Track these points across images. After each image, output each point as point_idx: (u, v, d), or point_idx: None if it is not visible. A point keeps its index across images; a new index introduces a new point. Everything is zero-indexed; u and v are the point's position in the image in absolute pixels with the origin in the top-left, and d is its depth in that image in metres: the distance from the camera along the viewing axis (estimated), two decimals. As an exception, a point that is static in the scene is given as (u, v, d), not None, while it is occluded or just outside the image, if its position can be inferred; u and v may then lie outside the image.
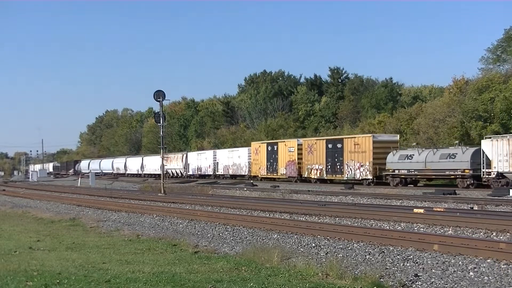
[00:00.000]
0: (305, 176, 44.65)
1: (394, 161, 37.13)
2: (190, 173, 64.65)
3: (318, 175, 43.40)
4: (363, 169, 39.25)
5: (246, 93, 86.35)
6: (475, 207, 21.38)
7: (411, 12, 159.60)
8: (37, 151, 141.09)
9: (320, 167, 43.11)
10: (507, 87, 43.64)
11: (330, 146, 42.40)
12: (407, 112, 54.99)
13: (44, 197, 36.00)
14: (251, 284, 8.44)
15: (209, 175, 60.30)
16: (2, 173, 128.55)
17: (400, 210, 19.98)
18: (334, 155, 41.84)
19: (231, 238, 14.96)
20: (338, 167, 41.49)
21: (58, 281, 8.59)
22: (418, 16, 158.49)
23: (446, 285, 8.77)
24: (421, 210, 19.01)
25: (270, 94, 79.23)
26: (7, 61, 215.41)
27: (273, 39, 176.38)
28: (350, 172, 40.34)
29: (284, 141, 49.41)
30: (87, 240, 14.82)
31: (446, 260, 10.42)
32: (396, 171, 36.97)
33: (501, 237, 13.53)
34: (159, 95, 36.18)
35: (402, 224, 16.61)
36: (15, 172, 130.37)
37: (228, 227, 16.78)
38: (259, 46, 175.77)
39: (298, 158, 45.57)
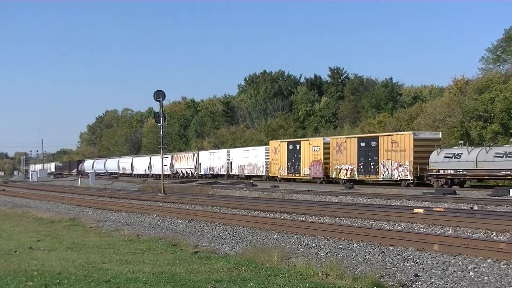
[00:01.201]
0: (333, 177, 41.93)
1: (439, 160, 34.16)
2: (202, 173, 62.27)
3: (348, 175, 40.68)
4: (402, 169, 36.67)
5: (246, 93, 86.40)
6: (475, 207, 21.37)
7: (411, 12, 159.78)
8: (37, 151, 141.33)
9: (350, 167, 40.40)
10: (507, 87, 43.66)
11: (362, 144, 39.72)
12: (407, 112, 55.05)
13: (44, 197, 36.00)
14: (251, 284, 8.44)
15: (222, 175, 58.15)
16: (2, 173, 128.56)
17: (400, 210, 19.97)
18: (368, 154, 39.15)
19: (231, 238, 14.95)
20: (372, 167, 38.80)
21: (58, 281, 8.59)
22: (418, 16, 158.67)
23: (446, 285, 8.77)
24: (421, 210, 19.00)
25: (270, 94, 79.28)
26: (7, 61, 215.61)
27: (273, 39, 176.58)
28: (387, 172, 37.72)
29: (308, 140, 46.77)
30: (87, 240, 14.82)
31: (446, 260, 10.42)
32: (441, 171, 34.03)
33: (501, 237, 13.52)
34: (159, 95, 36.17)
35: (402, 224, 16.61)
36: (15, 172, 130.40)
37: (228, 227, 16.78)
38: (259, 46, 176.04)
39: (324, 158, 42.86)
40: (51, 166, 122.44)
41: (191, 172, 65.13)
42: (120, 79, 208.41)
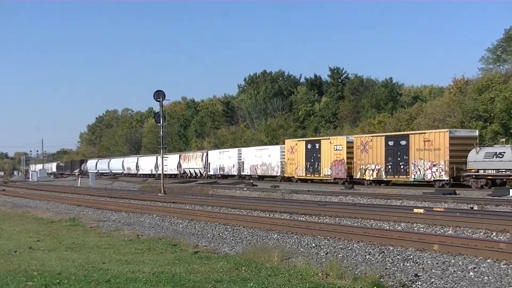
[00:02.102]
0: (357, 177, 39.82)
1: (478, 159, 32.19)
2: (211, 173, 60.25)
3: (374, 176, 38.64)
4: (436, 169, 34.53)
5: (246, 93, 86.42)
6: (475, 207, 21.37)
7: (411, 12, 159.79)
8: (37, 151, 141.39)
9: (377, 167, 38.28)
10: (507, 87, 43.67)
11: (391, 143, 37.63)
12: (407, 112, 55.05)
13: (44, 197, 35.99)
14: (251, 284, 8.44)
15: (233, 176, 56.08)
16: (2, 173, 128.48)
17: (400, 210, 19.98)
18: (397, 154, 37.04)
19: (231, 238, 14.95)
20: (402, 167, 36.60)
21: (58, 281, 8.59)
22: (418, 16, 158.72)
23: (446, 285, 8.77)
24: (421, 210, 19.00)
25: (270, 94, 79.31)
26: (7, 61, 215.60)
27: (273, 39, 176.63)
28: (419, 173, 35.58)
29: (329, 139, 44.25)
30: (87, 240, 14.81)
31: (446, 260, 10.42)
32: (481, 171, 32.15)
33: (501, 237, 13.53)
34: (159, 95, 36.17)
35: (402, 224, 16.61)
36: (15, 172, 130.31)
37: (228, 227, 16.78)
38: (259, 46, 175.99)
39: (347, 158, 40.72)
40: (53, 166, 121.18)
41: (199, 172, 63.21)
42: (120, 79, 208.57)
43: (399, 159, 37.06)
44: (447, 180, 34.17)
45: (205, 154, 62.28)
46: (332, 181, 42.63)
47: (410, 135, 37.11)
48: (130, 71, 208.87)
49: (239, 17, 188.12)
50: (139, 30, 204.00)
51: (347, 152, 40.88)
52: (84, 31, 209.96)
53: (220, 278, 8.99)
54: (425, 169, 35.37)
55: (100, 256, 11.72)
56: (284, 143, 53.28)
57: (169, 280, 8.69)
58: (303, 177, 45.02)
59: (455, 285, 8.75)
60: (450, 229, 15.05)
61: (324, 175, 43.07)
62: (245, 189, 40.38)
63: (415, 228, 15.86)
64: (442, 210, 20.13)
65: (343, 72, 76.88)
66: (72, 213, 23.94)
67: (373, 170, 38.81)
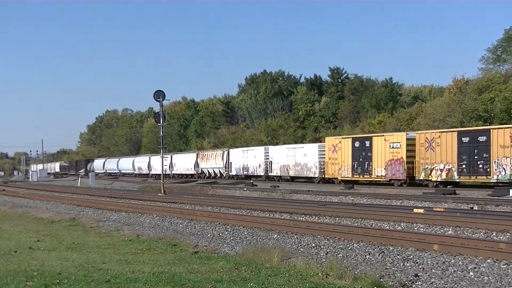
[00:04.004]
0: (421, 178, 35.63)
1: None
2: (233, 173, 55.95)
3: (443, 176, 34.30)
4: None
5: (246, 93, 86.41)
6: (475, 207, 21.38)
7: (411, 12, 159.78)
8: (37, 151, 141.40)
9: (447, 166, 34.00)
10: (507, 87, 43.71)
11: (465, 140, 33.29)
12: (407, 112, 55.03)
13: (44, 197, 36.00)
14: (251, 284, 8.44)
15: (258, 176, 51.94)
16: (2, 173, 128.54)
17: (400, 210, 19.97)
18: (473, 151, 32.95)
19: (231, 238, 14.95)
20: (481, 166, 32.56)
21: (58, 281, 8.59)
22: (418, 16, 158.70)
23: (446, 285, 8.77)
24: (421, 210, 19.00)
25: (270, 94, 79.31)
26: (7, 61, 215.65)
27: (273, 39, 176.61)
28: (503, 173, 31.43)
29: (383, 135, 39.64)
30: (87, 240, 14.82)
31: (446, 260, 10.42)
32: None
33: (501, 237, 13.53)
34: (159, 95, 36.19)
35: (402, 224, 16.61)
36: (15, 172, 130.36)
37: (228, 227, 16.78)
38: (259, 46, 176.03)
39: (407, 156, 36.40)
40: (56, 166, 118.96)
41: (219, 172, 59.37)
42: (120, 79, 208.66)
43: (476, 157, 32.77)
44: None
45: (226, 152, 58.42)
46: (386, 182, 38.05)
47: (491, 130, 32.65)
48: (130, 71, 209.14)
49: (239, 17, 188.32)
50: (139, 30, 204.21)
51: (407, 150, 36.55)
52: (84, 31, 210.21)
53: (220, 278, 8.99)
54: None
55: (100, 256, 11.72)
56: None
57: (169, 280, 8.69)
58: (349, 178, 40.72)
59: (455, 285, 8.75)
60: (450, 229, 15.05)
61: (377, 176, 38.73)
62: (245, 189, 40.37)
63: (415, 228, 15.86)
64: (442, 210, 20.14)
65: (343, 72, 76.89)
66: (72, 213, 23.95)
67: (441, 170, 34.42)
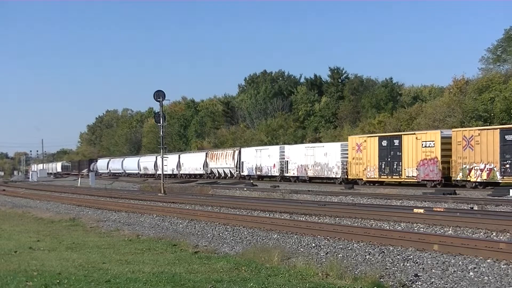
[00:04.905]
0: (458, 178, 33.47)
1: None
2: (245, 173, 53.77)
3: (483, 177, 32.28)
4: None
5: (246, 93, 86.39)
6: (475, 207, 21.37)
7: (411, 11, 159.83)
8: (37, 151, 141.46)
9: (488, 166, 31.96)
10: (507, 87, 43.75)
11: (509, 138, 31.11)
12: (407, 112, 55.03)
13: (44, 197, 36.00)
14: (251, 284, 8.44)
15: (273, 177, 50.00)
16: (2, 173, 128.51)
17: (400, 210, 19.97)
18: None
19: (231, 238, 14.95)
20: None
21: (58, 281, 8.59)
22: (418, 16, 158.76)
23: (446, 285, 8.77)
24: (421, 210, 19.00)
25: (270, 94, 79.29)
26: (7, 61, 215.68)
27: (273, 39, 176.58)
28: None
29: (414, 133, 37.30)
30: (87, 240, 14.82)
31: (446, 260, 10.42)
32: None
33: (501, 237, 13.52)
34: (159, 95, 36.19)
35: (402, 224, 16.60)
36: (15, 172, 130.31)
37: (228, 227, 16.77)
38: (259, 46, 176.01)
39: (442, 155, 34.18)
40: (58, 166, 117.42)
41: (230, 172, 57.40)
42: (120, 79, 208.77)
43: None
44: None
45: (237, 152, 56.23)
46: (419, 182, 36.13)
47: None
48: (130, 71, 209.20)
49: (239, 17, 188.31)
50: (139, 30, 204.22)
51: (442, 149, 34.38)
52: (84, 31, 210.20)
53: (220, 278, 8.99)
54: None
55: (100, 256, 11.72)
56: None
57: (169, 280, 8.69)
58: (375, 179, 38.73)
59: (455, 285, 8.75)
60: (450, 229, 15.05)
61: (407, 176, 36.58)
62: (245, 189, 40.38)
63: (415, 228, 15.86)
64: (442, 210, 20.13)
65: (343, 72, 76.89)
66: (72, 213, 23.94)
67: (481, 170, 32.44)
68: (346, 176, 41.36)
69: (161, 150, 38.32)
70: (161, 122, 36.59)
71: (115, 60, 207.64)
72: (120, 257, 11.62)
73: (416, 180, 36.03)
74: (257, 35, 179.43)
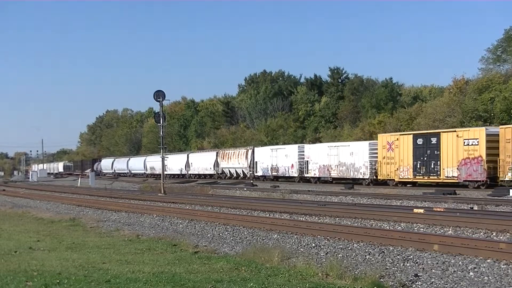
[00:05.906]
0: (506, 179, 30.66)
1: None
2: (260, 173, 51.10)
3: None
4: None
5: (246, 93, 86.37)
6: (475, 207, 21.38)
7: (411, 11, 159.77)
8: (37, 151, 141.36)
9: None
10: (507, 87, 43.70)
11: None
12: (407, 112, 54.98)
13: (44, 197, 36.01)
14: (251, 284, 8.44)
15: (291, 177, 47.44)
16: (2, 173, 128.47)
17: (400, 210, 19.97)
18: None
19: (231, 238, 14.96)
20: None
21: (58, 281, 8.59)
22: (418, 16, 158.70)
23: (446, 285, 8.78)
24: (421, 210, 19.00)
25: (270, 94, 79.27)
26: (7, 61, 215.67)
27: (273, 39, 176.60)
28: None
29: (455, 131, 34.50)
30: (87, 240, 14.82)
31: (446, 260, 10.42)
32: None
33: (501, 237, 13.53)
34: (159, 95, 36.20)
35: (402, 224, 16.61)
36: (15, 172, 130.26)
37: (228, 227, 16.78)
38: (259, 46, 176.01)
39: (487, 154, 31.64)
40: (59, 166, 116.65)
41: (242, 172, 54.94)
42: (120, 79, 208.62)
43: None
44: None
45: (250, 151, 53.74)
46: (459, 183, 33.53)
47: None
48: (130, 71, 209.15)
49: (239, 17, 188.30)
50: (139, 30, 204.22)
51: (488, 148, 31.88)
52: (84, 31, 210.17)
53: (220, 278, 8.99)
54: None
55: (100, 256, 11.73)
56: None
57: (169, 280, 8.69)
58: (409, 180, 36.39)
59: (455, 285, 8.75)
60: (450, 229, 15.05)
61: (447, 176, 34.10)
62: (245, 189, 40.38)
63: (415, 228, 15.86)
64: (442, 210, 20.13)
65: (343, 72, 76.84)
66: (72, 213, 23.95)
67: None
68: (375, 177, 39.11)
69: (161, 150, 38.33)
70: (161, 122, 36.61)
71: (115, 60, 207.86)
72: (120, 257, 11.62)
73: (457, 181, 33.58)
74: (257, 35, 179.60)
